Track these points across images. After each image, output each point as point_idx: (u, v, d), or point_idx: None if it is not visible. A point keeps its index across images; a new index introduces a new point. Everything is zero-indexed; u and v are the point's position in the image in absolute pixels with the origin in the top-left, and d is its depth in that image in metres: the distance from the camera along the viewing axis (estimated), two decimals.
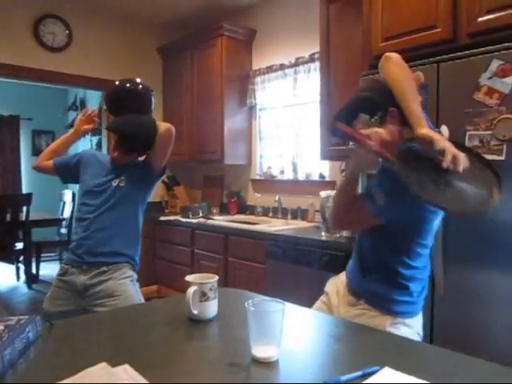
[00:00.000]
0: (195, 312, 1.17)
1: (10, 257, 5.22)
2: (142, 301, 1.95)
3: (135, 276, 1.99)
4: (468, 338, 1.92)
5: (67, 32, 4.14)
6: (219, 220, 3.89)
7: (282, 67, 3.83)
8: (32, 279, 5.08)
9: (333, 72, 2.99)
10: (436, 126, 2.01)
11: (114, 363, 0.88)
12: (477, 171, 1.22)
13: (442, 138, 1.16)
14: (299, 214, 3.70)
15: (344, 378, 0.83)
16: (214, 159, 4.22)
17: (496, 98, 1.82)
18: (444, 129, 1.97)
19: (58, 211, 5.69)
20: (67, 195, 5.46)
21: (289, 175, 3.92)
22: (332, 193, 2.72)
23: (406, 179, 1.16)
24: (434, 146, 1.14)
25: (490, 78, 1.83)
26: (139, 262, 2.05)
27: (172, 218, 4.16)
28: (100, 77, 4.28)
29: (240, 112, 4.19)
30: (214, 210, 4.34)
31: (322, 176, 3.59)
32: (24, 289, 5.01)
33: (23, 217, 4.91)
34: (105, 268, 1.89)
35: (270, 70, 3.94)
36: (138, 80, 2.06)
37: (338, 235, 2.80)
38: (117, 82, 2.04)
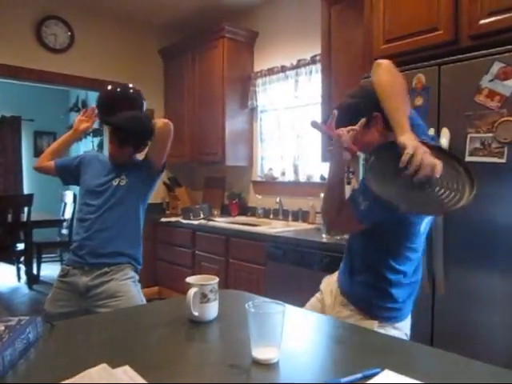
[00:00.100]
0: (196, 313, 1.17)
1: (10, 257, 5.23)
2: (144, 301, 1.95)
3: (137, 277, 1.99)
4: (468, 338, 1.92)
5: (69, 33, 4.16)
6: (220, 221, 3.89)
7: (283, 69, 3.83)
8: (33, 280, 5.08)
9: (334, 74, 2.99)
10: (437, 128, 2.01)
11: (115, 364, 0.88)
12: (451, 172, 1.22)
13: (415, 147, 1.13)
14: (300, 215, 3.70)
15: (344, 379, 0.83)
16: (215, 161, 4.22)
17: (497, 101, 1.82)
18: (445, 131, 1.98)
19: (59, 212, 5.69)
20: (68, 196, 5.47)
21: (290, 177, 3.92)
22: None
23: (369, 177, 1.20)
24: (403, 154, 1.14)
25: (492, 80, 1.83)
26: (142, 265, 2.06)
27: (173, 219, 4.17)
28: (102, 78, 4.28)
29: (241, 114, 4.19)
30: (215, 212, 4.35)
31: (323, 178, 3.58)
32: (25, 289, 5.01)
33: (24, 217, 4.92)
34: (106, 269, 1.89)
35: (271, 71, 3.95)
36: (130, 85, 2.10)
37: (338, 237, 2.80)
38: (108, 87, 2.07)
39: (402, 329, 1.41)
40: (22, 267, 5.28)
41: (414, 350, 1.06)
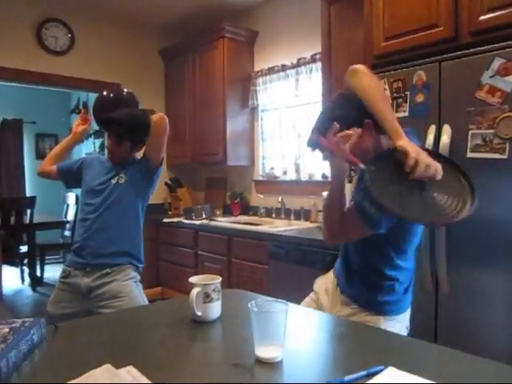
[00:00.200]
0: (199, 313, 1.18)
1: (14, 260, 5.24)
2: (146, 302, 1.96)
3: (138, 277, 2.00)
4: (472, 336, 1.91)
5: (69, 35, 4.16)
6: (222, 221, 3.89)
7: (283, 68, 3.83)
8: (36, 282, 5.10)
9: (334, 72, 2.99)
10: (438, 125, 2.01)
11: (118, 365, 0.88)
12: (452, 181, 1.24)
13: (417, 151, 1.16)
14: (302, 214, 3.70)
15: (348, 377, 0.83)
16: (216, 161, 4.22)
17: (498, 97, 1.81)
18: (446, 128, 1.97)
19: (62, 214, 5.70)
20: (71, 198, 5.48)
21: (291, 176, 3.92)
22: None
23: (371, 187, 1.19)
24: (406, 159, 1.16)
25: (492, 76, 1.83)
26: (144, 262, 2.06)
27: (175, 219, 4.17)
28: (102, 80, 4.29)
29: (242, 113, 4.19)
30: (217, 212, 4.35)
31: (324, 176, 3.58)
32: (28, 291, 5.03)
33: (27, 220, 4.93)
34: (108, 270, 1.90)
35: (271, 71, 3.95)
36: (124, 89, 2.15)
37: None
38: (104, 93, 2.09)
39: (404, 321, 1.44)
40: (26, 269, 5.30)
41: (417, 348, 1.05)
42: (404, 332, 1.42)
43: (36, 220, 4.96)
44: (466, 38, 2.03)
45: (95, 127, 3.69)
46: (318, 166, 3.64)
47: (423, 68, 2.07)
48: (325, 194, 1.49)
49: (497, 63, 1.82)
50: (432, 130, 2.01)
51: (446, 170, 1.20)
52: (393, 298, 1.42)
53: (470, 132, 1.90)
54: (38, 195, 5.22)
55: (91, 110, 2.09)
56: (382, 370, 0.86)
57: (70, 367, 0.91)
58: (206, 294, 1.18)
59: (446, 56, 2.01)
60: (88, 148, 6.38)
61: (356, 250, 1.46)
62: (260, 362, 0.93)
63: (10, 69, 3.84)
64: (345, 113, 1.35)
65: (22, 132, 6.79)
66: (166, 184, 4.62)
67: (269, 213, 4.02)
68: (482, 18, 1.96)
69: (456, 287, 1.97)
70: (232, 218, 4.08)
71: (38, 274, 5.20)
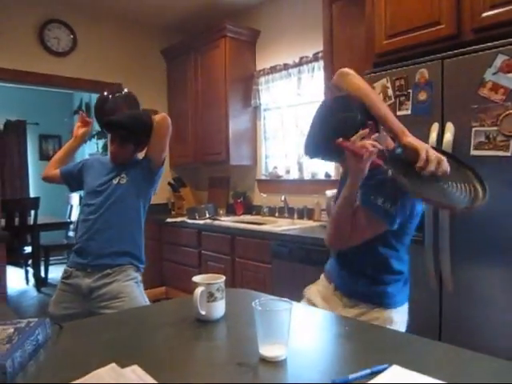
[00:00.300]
0: (203, 312, 1.18)
1: (18, 260, 5.27)
2: (147, 302, 1.96)
3: (140, 277, 1.99)
4: (476, 334, 1.91)
5: (71, 36, 4.17)
6: (225, 221, 3.89)
7: (285, 67, 3.83)
8: (41, 282, 5.12)
9: (336, 71, 2.98)
10: (441, 123, 2.01)
11: (123, 364, 0.89)
12: (460, 174, 1.31)
13: (425, 146, 1.23)
14: (305, 213, 3.69)
15: (352, 376, 0.83)
16: (219, 160, 4.22)
17: (501, 94, 1.80)
18: (449, 126, 1.97)
19: (66, 214, 5.73)
20: (74, 198, 5.50)
21: (294, 175, 3.91)
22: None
23: (402, 181, 1.22)
24: (418, 155, 1.21)
25: (495, 73, 1.82)
26: (145, 263, 2.06)
27: (178, 219, 4.18)
28: (105, 80, 4.30)
29: (244, 113, 4.19)
30: (221, 211, 4.35)
31: (327, 175, 3.58)
32: (33, 292, 5.05)
33: (31, 221, 4.95)
34: (109, 270, 1.90)
35: (273, 70, 3.95)
36: (125, 89, 2.18)
37: None
38: (104, 93, 2.10)
39: (405, 313, 1.49)
40: (30, 270, 5.32)
41: (421, 346, 1.05)
42: (405, 324, 1.47)
43: (40, 221, 4.98)
44: (469, 36, 2.02)
45: (97, 128, 3.71)
46: (320, 165, 3.63)
47: (426, 66, 2.06)
48: (328, 192, 1.50)
49: (500, 60, 1.81)
50: (435, 127, 2.01)
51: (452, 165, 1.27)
52: (396, 290, 1.46)
53: (474, 129, 1.89)
54: (41, 196, 5.23)
55: (93, 111, 2.10)
56: (386, 369, 0.86)
57: (75, 367, 0.91)
58: (210, 293, 1.18)
59: (448, 53, 2.00)
60: (91, 149, 6.39)
61: (361, 248, 1.43)
62: (264, 360, 0.93)
63: (12, 70, 3.85)
64: (351, 115, 1.34)
65: (26, 133, 6.81)
66: (169, 184, 4.63)
67: (272, 212, 4.02)
68: (485, 14, 1.95)
69: (460, 284, 1.96)
70: (235, 218, 4.08)
71: (43, 274, 5.21)
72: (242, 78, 4.16)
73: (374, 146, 1.25)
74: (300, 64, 3.68)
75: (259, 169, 4.29)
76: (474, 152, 1.89)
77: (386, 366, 0.87)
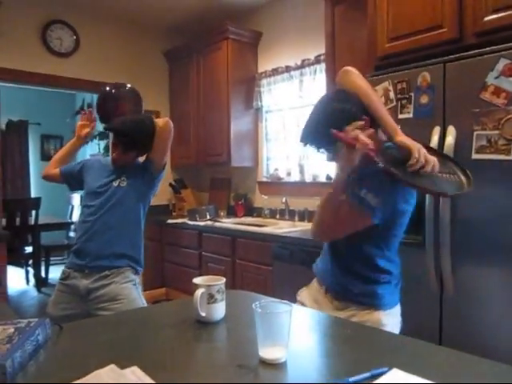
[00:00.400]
0: (203, 314, 1.18)
1: (19, 260, 5.27)
2: (145, 304, 1.95)
3: (138, 280, 1.99)
4: (478, 337, 1.90)
5: (74, 37, 4.18)
6: (226, 222, 3.89)
7: (287, 69, 3.83)
8: (41, 283, 5.12)
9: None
10: (443, 126, 2.01)
11: (123, 365, 0.89)
12: (445, 167, 1.41)
13: (416, 146, 1.30)
14: (306, 215, 3.69)
15: (352, 379, 0.83)
16: (220, 162, 4.23)
17: (503, 98, 1.80)
18: (450, 129, 1.97)
19: (67, 215, 5.73)
20: (75, 199, 5.51)
21: (296, 177, 3.91)
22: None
23: (394, 171, 1.28)
24: (410, 154, 1.29)
25: (497, 77, 1.82)
26: (145, 265, 2.05)
27: (179, 220, 4.18)
28: (107, 81, 4.27)
29: (246, 114, 4.20)
30: (221, 213, 4.35)
31: (328, 177, 3.58)
32: (33, 292, 5.05)
33: (32, 221, 4.96)
34: (107, 272, 1.89)
35: (275, 72, 3.95)
36: (127, 84, 2.14)
37: None
38: (106, 88, 2.10)
39: (398, 315, 1.49)
40: (31, 270, 5.32)
41: (422, 349, 1.05)
42: (399, 326, 1.47)
43: (41, 221, 4.99)
44: (471, 39, 2.02)
45: (100, 128, 3.71)
46: (322, 167, 3.63)
47: (428, 69, 2.06)
48: (322, 205, 1.50)
49: (502, 64, 1.81)
50: (436, 131, 2.01)
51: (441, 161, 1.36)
52: (387, 291, 1.46)
53: (475, 133, 1.89)
54: (43, 196, 5.24)
55: (95, 108, 2.08)
56: (386, 372, 0.86)
57: (74, 367, 0.92)
58: (210, 294, 1.18)
59: (450, 57, 2.00)
60: (93, 150, 6.40)
61: (349, 249, 1.47)
62: (264, 363, 0.93)
63: (15, 70, 3.86)
64: (348, 106, 1.39)
65: (28, 133, 6.83)
66: (170, 185, 4.63)
67: (273, 214, 4.02)
68: (487, 18, 1.95)
69: (461, 286, 1.96)
70: (236, 219, 4.08)
71: (43, 274, 5.22)
72: (244, 79, 4.16)
73: (367, 139, 1.29)
74: (302, 66, 3.69)
75: (260, 171, 4.29)
76: (475, 156, 1.89)
77: (385, 369, 0.87)
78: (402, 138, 1.34)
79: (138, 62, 4.59)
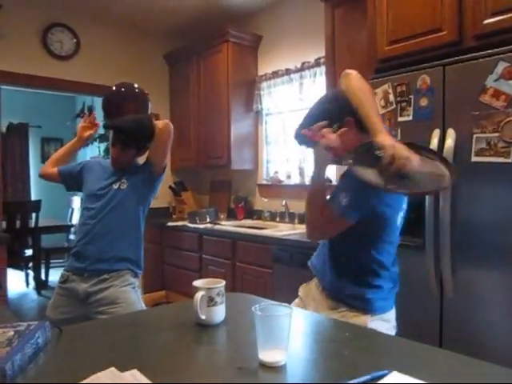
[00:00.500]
0: (203, 317, 1.18)
1: (19, 263, 5.27)
2: (144, 308, 1.95)
3: (137, 283, 1.98)
4: (478, 339, 1.90)
5: (75, 40, 4.19)
6: (226, 225, 3.89)
7: (287, 72, 3.84)
8: (41, 285, 5.12)
9: (338, 76, 2.97)
10: (442, 129, 2.01)
11: (123, 368, 0.88)
12: (429, 163, 1.37)
13: (393, 145, 1.25)
14: None
15: (352, 382, 0.83)
16: (220, 164, 4.23)
17: (503, 100, 1.81)
18: (450, 132, 1.97)
19: (67, 217, 5.73)
20: (76, 202, 5.51)
21: (296, 180, 3.91)
22: None
23: (360, 171, 1.30)
24: (384, 153, 1.26)
25: (497, 80, 1.83)
26: (145, 267, 2.05)
27: (179, 223, 4.18)
28: (107, 84, 4.29)
29: (246, 117, 4.20)
30: (222, 216, 4.35)
31: (328, 180, 3.58)
32: (33, 295, 5.05)
33: (32, 223, 4.96)
34: (106, 276, 1.88)
35: (275, 75, 3.96)
36: (135, 84, 2.13)
37: None
38: (113, 87, 2.09)
39: (390, 320, 1.49)
40: (31, 273, 5.32)
41: (422, 352, 1.05)
42: (392, 331, 1.47)
43: (41, 224, 4.99)
44: (470, 42, 2.03)
45: (100, 131, 3.71)
46: None
47: (427, 72, 2.07)
48: (328, 197, 1.52)
49: (501, 67, 1.81)
50: (436, 133, 2.01)
51: (422, 155, 1.34)
52: (379, 296, 1.47)
53: (475, 136, 1.89)
54: (43, 199, 5.24)
55: (101, 104, 2.07)
56: (385, 375, 0.86)
57: (74, 370, 0.91)
58: (210, 297, 1.18)
59: (450, 60, 2.00)
60: (93, 152, 6.41)
61: (344, 250, 1.50)
62: (264, 365, 0.93)
63: (15, 73, 3.87)
64: (330, 107, 1.47)
65: (28, 136, 6.84)
66: (170, 188, 4.63)
67: (273, 217, 4.02)
68: (487, 21, 1.96)
69: (461, 288, 1.96)
70: (236, 222, 4.08)
71: (43, 277, 5.22)
72: (244, 82, 4.17)
73: (333, 136, 1.38)
74: (302, 69, 3.69)
75: (260, 173, 4.29)
76: (474, 158, 1.89)
77: (385, 372, 0.86)
78: (379, 138, 1.30)
79: (139, 64, 4.60)
